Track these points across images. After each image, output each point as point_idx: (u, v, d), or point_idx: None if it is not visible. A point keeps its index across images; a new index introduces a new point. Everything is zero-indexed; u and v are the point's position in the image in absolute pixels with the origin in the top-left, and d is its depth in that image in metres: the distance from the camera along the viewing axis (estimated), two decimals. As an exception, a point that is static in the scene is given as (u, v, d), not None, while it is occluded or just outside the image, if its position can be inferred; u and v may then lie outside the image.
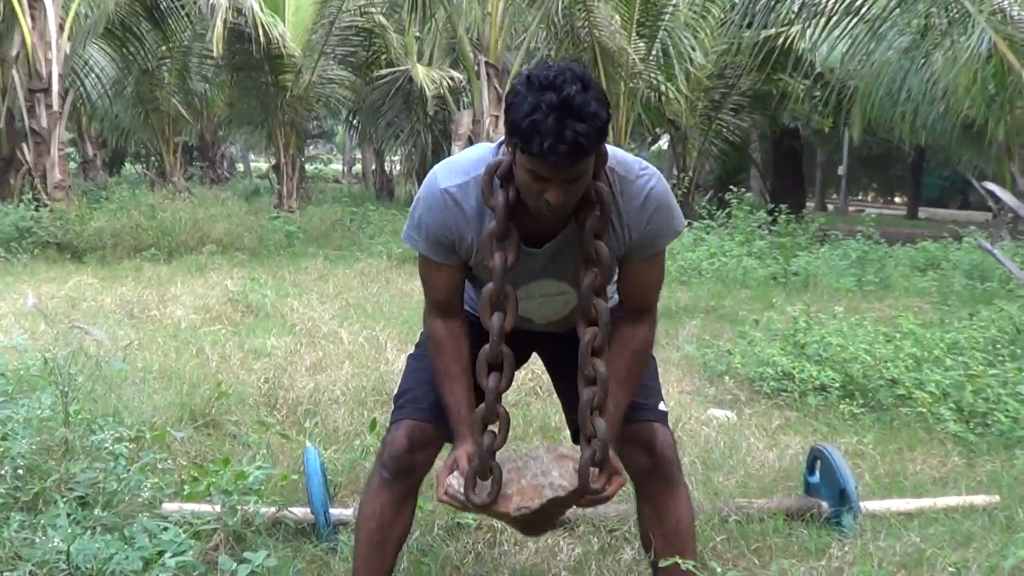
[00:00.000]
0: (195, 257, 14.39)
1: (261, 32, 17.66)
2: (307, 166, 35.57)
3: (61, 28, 16.62)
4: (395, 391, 3.52)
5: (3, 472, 3.86)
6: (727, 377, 7.33)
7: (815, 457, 4.85)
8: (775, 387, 7.06)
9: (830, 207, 45.18)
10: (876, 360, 7.02)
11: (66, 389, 4.71)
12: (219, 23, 16.76)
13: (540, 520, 3.17)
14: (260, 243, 15.97)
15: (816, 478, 4.83)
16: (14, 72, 16.50)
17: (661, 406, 3.43)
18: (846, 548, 4.24)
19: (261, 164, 51.90)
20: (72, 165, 25.44)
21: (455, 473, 3.10)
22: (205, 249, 14.84)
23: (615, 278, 3.24)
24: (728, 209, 16.74)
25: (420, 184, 3.30)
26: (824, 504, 4.68)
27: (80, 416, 4.78)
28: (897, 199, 55.64)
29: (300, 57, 19.57)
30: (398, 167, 36.48)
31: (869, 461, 5.60)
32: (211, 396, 6.04)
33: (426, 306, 3.27)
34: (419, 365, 3.44)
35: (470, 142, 15.58)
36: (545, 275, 3.15)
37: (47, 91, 16.39)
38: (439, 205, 3.03)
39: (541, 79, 2.70)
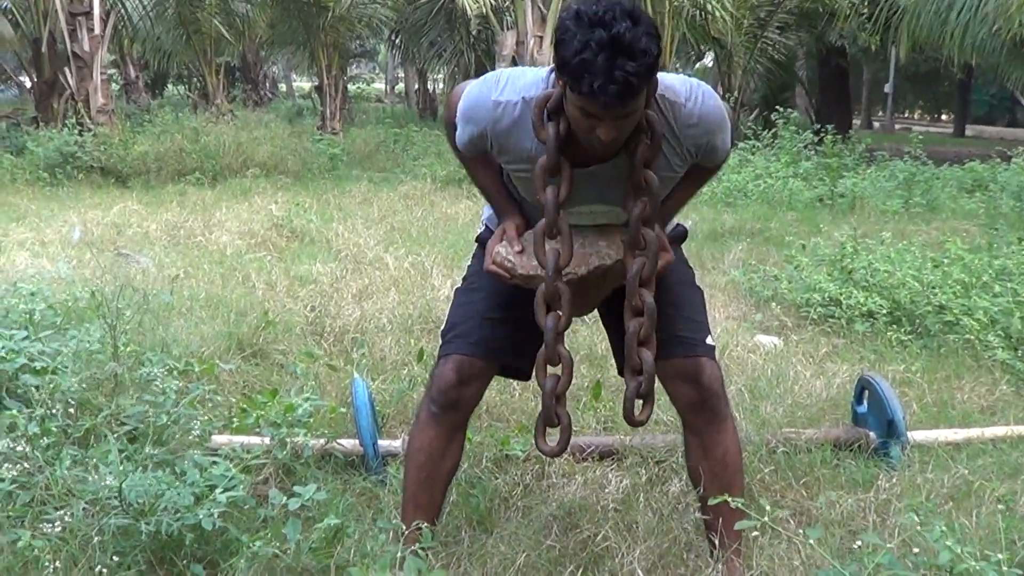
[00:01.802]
0: (239, 181, 14.43)
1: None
2: (350, 86, 35.44)
3: (102, -51, 16.58)
4: (442, 324, 3.55)
5: (55, 410, 3.89)
6: (774, 303, 7.31)
7: (863, 387, 4.83)
8: (822, 313, 7.02)
9: (876, 124, 44.64)
10: (924, 286, 6.97)
11: (114, 323, 4.73)
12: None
13: (586, 293, 3.21)
14: (304, 166, 15.96)
15: (864, 408, 4.81)
16: (55, -5, 16.50)
17: (709, 340, 3.43)
18: (894, 480, 4.23)
19: (304, 84, 51.82)
20: (114, 87, 25.45)
21: (503, 242, 3.18)
22: (249, 173, 14.87)
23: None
24: (774, 129, 16.55)
25: None
26: (872, 434, 4.67)
27: (128, 348, 4.81)
28: (944, 117, 54.89)
29: (342, -25, 19.45)
30: (441, 86, 36.29)
31: (917, 389, 5.57)
32: (258, 325, 6.08)
33: (454, 140, 3.30)
34: (466, 299, 3.45)
35: (514, 63, 15.45)
36: (591, 199, 3.13)
37: (88, 14, 16.38)
38: (488, 114, 3.03)
39: (590, 15, 2.66)
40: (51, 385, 4.14)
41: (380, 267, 8.27)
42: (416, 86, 38.79)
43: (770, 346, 6.52)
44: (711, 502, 3.22)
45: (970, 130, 41.96)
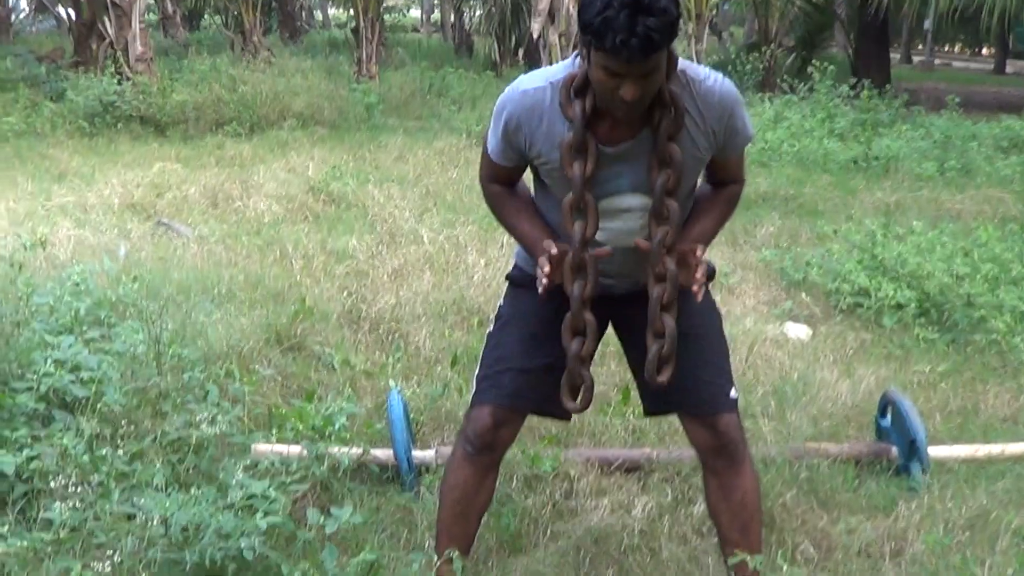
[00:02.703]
0: (276, 133, 14.51)
1: None
2: (385, 16, 35.35)
3: None
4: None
5: (102, 430, 4.05)
6: (804, 293, 7.38)
7: (887, 403, 4.93)
8: (851, 302, 7.10)
9: (916, 59, 44.16)
10: (953, 278, 7.03)
11: (158, 332, 4.88)
12: None
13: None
14: (340, 116, 16.00)
15: (887, 421, 4.91)
16: (93, -61, 16.51)
17: (732, 392, 3.51)
18: (913, 506, 4.33)
19: (340, 13, 51.63)
20: (151, 17, 25.50)
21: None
22: (286, 124, 14.95)
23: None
24: (810, 83, 16.47)
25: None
26: (894, 450, 4.77)
27: (171, 349, 4.96)
28: (984, 51, 54.20)
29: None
30: (476, 16, 36.07)
31: (941, 396, 5.66)
32: (296, 315, 6.21)
33: (482, 176, 3.47)
34: (498, 342, 3.55)
35: (550, 19, 15.46)
36: (623, 187, 3.19)
37: (127, -39, 16.39)
38: (516, 101, 3.16)
39: None
40: (97, 398, 4.31)
41: (415, 241, 8.39)
42: (452, 18, 38.64)
43: (798, 339, 6.62)
44: (730, 561, 3.36)
45: (1011, 66, 41.46)
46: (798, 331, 6.78)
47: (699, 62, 17.37)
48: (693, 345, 3.35)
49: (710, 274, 3.45)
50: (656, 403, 3.64)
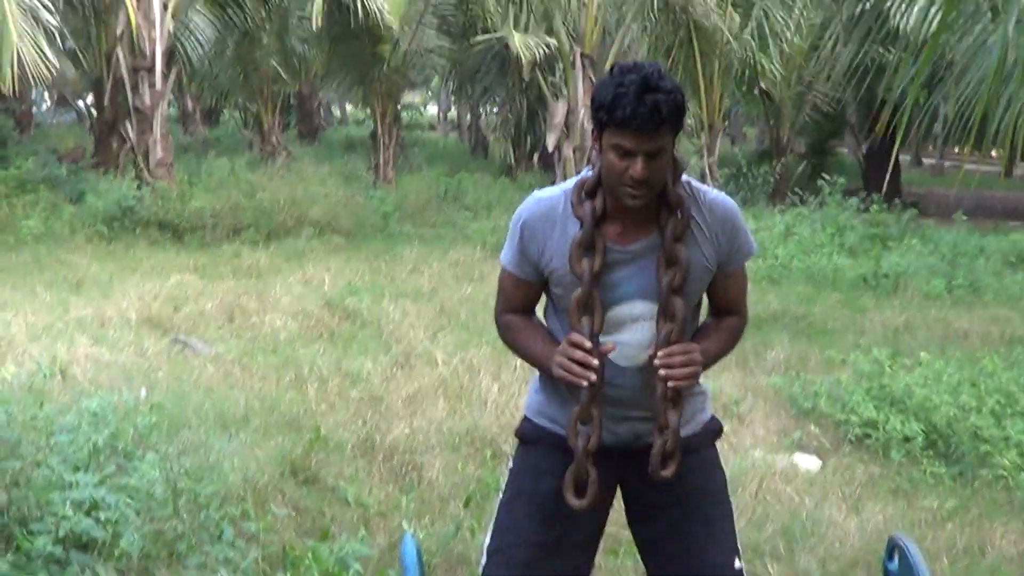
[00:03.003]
0: (293, 242, 14.72)
1: (360, 4, 17.89)
2: (403, 113, 35.80)
3: (165, 7, 16.92)
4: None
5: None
6: (812, 423, 7.45)
7: (894, 546, 4.97)
8: (860, 433, 7.17)
9: (926, 162, 44.55)
10: (960, 410, 7.10)
11: (175, 473, 4.98)
12: (319, -1, 17.01)
13: None
14: (357, 223, 16.23)
15: (895, 565, 4.94)
16: (118, 50, 16.85)
17: (737, 563, 3.38)
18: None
19: (357, 111, 52.21)
20: (172, 111, 25.86)
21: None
22: (303, 233, 15.15)
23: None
24: (820, 197, 16.66)
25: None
26: (902, 600, 4.80)
27: (188, 487, 5.04)
28: (994, 153, 54.61)
29: (397, 28, 19.72)
30: (493, 116, 36.49)
31: (948, 535, 5.71)
32: (311, 445, 6.28)
33: (497, 311, 3.46)
34: (509, 510, 3.49)
35: (565, 132, 15.70)
36: (631, 293, 3.23)
37: (151, 70, 16.71)
38: (532, 208, 3.26)
39: (623, 67, 3.04)
40: (114, 540, 4.39)
41: (429, 363, 8.50)
42: (468, 117, 39.14)
43: (807, 470, 6.68)
44: None
45: (1020, 168, 41.76)
46: (807, 462, 6.84)
47: (712, 175, 17.67)
48: (696, 512, 3.35)
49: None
50: None
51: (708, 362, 3.25)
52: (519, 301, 3.40)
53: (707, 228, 3.20)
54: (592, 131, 3.17)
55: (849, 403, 7.45)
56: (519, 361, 7.29)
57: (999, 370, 7.81)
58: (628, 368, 3.24)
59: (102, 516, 4.47)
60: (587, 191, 3.17)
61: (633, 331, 3.23)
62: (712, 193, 3.26)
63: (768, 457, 6.81)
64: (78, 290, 11.21)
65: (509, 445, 5.95)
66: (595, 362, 3.08)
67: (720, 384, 7.97)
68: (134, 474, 4.99)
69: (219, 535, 4.78)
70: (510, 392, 7.59)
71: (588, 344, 3.10)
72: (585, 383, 3.08)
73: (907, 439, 6.97)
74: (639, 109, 2.91)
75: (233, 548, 4.67)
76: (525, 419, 3.56)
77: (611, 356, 3.19)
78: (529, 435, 3.51)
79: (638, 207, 3.10)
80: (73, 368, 7.76)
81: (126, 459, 5.36)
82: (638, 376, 3.24)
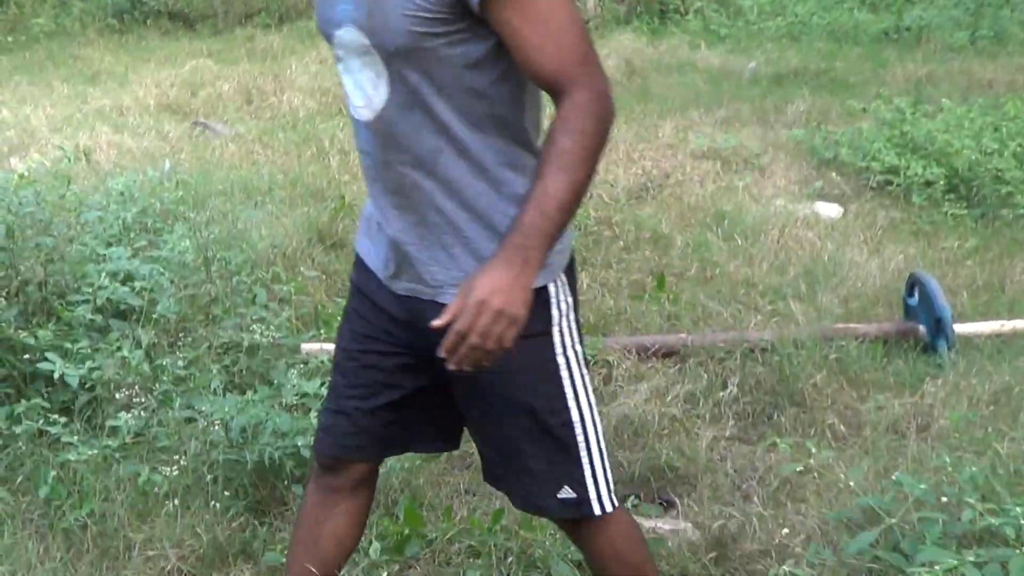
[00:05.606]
0: (306, 23, 14.53)
1: None
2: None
3: None
4: None
5: (160, 340, 4.25)
6: (834, 172, 7.46)
7: (914, 282, 5.06)
8: (881, 180, 7.19)
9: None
10: (982, 154, 7.10)
11: (205, 240, 5.06)
12: None
13: None
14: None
15: (915, 300, 5.03)
16: None
17: (564, 493, 2.41)
18: (939, 382, 4.47)
19: None
20: None
21: None
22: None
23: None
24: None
25: None
26: (921, 328, 4.90)
27: (219, 255, 5.12)
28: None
29: None
30: None
31: (968, 273, 5.78)
32: (336, 212, 6.33)
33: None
34: None
35: None
36: (345, 15, 2.18)
37: None
38: None
39: None
40: (151, 306, 4.49)
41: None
42: None
43: (828, 218, 6.73)
44: None
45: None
46: (828, 210, 6.89)
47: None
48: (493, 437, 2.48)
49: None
50: (488, 475, 2.60)
51: (553, 219, 2.05)
52: None
53: None
54: None
55: (870, 151, 7.45)
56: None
57: (1022, 114, 7.77)
58: (362, 122, 2.31)
59: (137, 286, 4.55)
60: None
61: (360, 73, 2.24)
62: None
63: (789, 206, 6.85)
64: (94, 82, 11.19)
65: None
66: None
67: (741, 138, 7.97)
68: (164, 247, 5.06)
69: (252, 298, 4.87)
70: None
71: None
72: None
73: (928, 183, 6.98)
74: None
75: (266, 309, 4.77)
76: None
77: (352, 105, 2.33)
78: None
79: None
80: (96, 154, 7.79)
81: (155, 235, 5.43)
82: (375, 141, 2.30)
